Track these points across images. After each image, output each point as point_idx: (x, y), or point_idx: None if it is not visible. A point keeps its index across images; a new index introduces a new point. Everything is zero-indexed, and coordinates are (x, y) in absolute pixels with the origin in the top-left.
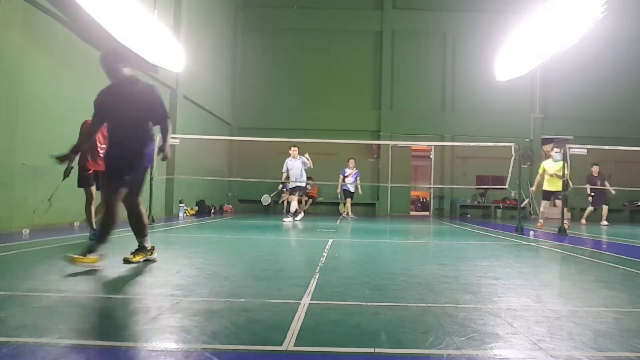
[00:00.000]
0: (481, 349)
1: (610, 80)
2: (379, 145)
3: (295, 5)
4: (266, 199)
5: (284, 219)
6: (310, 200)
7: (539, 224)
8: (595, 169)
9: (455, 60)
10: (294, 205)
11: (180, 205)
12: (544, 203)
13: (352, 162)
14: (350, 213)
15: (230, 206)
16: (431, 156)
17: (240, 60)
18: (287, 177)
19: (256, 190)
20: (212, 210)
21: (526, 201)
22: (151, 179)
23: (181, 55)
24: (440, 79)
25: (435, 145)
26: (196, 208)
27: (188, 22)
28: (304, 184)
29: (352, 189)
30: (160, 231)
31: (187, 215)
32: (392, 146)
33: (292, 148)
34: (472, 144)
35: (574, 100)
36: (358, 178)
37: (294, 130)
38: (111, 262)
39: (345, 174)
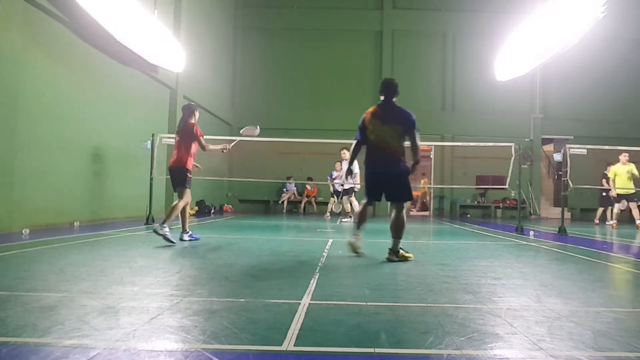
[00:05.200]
0: (481, 349)
1: (610, 80)
2: None
3: (295, 5)
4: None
5: (344, 220)
6: (307, 200)
7: (614, 225)
8: None
9: (455, 60)
10: (356, 205)
11: None
12: (617, 205)
13: (338, 165)
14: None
15: (230, 206)
16: (431, 156)
17: (240, 60)
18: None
19: (256, 190)
20: (212, 210)
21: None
22: (151, 179)
23: (181, 55)
24: (440, 79)
25: (435, 145)
26: (196, 208)
27: (188, 22)
28: (347, 186)
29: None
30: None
31: None
32: None
33: (342, 151)
34: (472, 144)
35: (574, 100)
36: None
37: (294, 130)
38: (111, 262)
39: (333, 176)
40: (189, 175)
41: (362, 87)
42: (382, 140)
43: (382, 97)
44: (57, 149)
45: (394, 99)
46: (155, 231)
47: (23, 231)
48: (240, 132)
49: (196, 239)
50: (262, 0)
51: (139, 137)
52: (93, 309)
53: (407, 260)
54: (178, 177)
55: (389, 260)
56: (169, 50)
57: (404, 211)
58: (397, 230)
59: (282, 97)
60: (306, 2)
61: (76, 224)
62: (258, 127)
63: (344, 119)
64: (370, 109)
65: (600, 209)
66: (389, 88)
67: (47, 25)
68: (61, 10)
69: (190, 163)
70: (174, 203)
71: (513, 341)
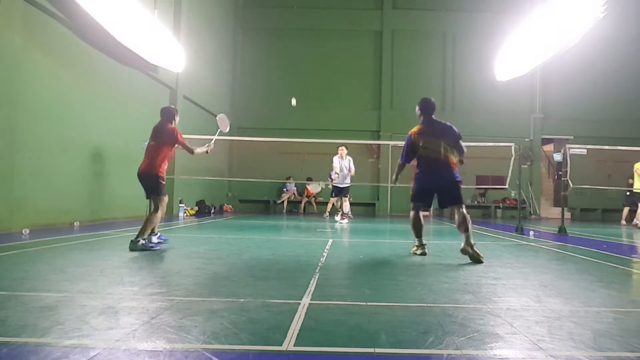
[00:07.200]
0: (481, 349)
1: (610, 80)
2: (379, 145)
3: (295, 5)
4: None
5: (340, 221)
6: (307, 200)
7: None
8: None
9: (455, 60)
10: (347, 206)
11: (180, 205)
12: None
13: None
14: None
15: (230, 206)
16: None
17: (240, 60)
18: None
19: (256, 190)
20: (212, 210)
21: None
22: None
23: (181, 55)
24: (440, 79)
25: None
26: (196, 208)
27: (188, 22)
28: (346, 186)
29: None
30: (161, 231)
31: (187, 215)
32: (392, 146)
33: (341, 147)
34: (472, 143)
35: (574, 100)
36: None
37: (294, 130)
38: (111, 262)
39: (332, 177)
40: (162, 182)
41: (362, 87)
42: (437, 153)
43: (421, 117)
44: (57, 149)
45: (433, 116)
46: (132, 249)
47: (23, 231)
48: (218, 117)
49: (165, 240)
50: (262, 0)
51: (138, 137)
52: (93, 309)
53: (480, 260)
54: (149, 185)
55: (464, 251)
56: (168, 50)
57: (464, 210)
58: (466, 225)
59: (282, 97)
60: (306, 2)
61: (76, 224)
62: (228, 127)
63: (343, 119)
64: (416, 129)
65: (626, 209)
66: (429, 107)
67: (47, 25)
68: (61, 10)
69: (164, 169)
70: (150, 214)
71: (513, 341)
